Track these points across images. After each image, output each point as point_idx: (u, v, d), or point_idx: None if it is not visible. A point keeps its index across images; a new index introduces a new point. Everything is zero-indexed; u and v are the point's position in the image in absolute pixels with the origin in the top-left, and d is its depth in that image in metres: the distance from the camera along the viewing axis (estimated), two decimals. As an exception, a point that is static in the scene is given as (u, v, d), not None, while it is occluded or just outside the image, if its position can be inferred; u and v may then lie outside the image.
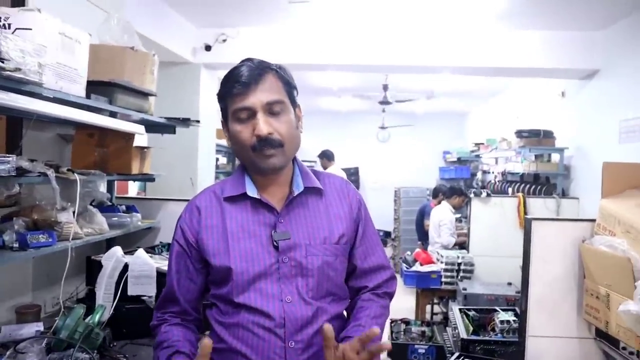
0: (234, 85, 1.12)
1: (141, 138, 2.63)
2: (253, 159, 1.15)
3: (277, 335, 1.12)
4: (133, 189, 4.28)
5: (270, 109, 1.13)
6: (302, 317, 1.14)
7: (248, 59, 1.18)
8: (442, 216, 5.17)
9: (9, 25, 1.45)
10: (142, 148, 2.52)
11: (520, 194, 4.38)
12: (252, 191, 1.19)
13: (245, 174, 1.22)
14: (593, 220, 2.29)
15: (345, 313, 1.28)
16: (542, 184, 4.93)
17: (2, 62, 1.27)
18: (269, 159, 1.13)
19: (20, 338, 1.77)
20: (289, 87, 1.18)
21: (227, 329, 1.16)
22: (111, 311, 2.04)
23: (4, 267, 1.98)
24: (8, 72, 1.30)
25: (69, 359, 1.63)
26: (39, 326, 1.89)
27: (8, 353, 1.65)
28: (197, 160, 4.40)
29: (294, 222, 1.18)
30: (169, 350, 1.14)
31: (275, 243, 1.15)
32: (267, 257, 1.15)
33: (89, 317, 1.85)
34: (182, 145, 4.05)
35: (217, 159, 5.83)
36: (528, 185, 5.01)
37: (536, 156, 4.95)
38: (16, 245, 1.69)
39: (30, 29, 1.48)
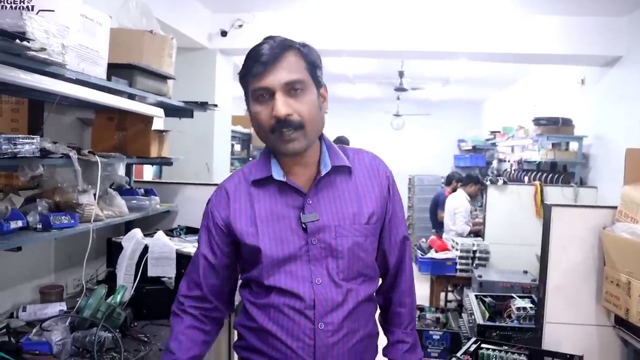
0: (253, 65, 1.10)
1: (159, 122, 2.65)
2: (273, 142, 1.13)
3: (306, 317, 1.13)
4: (148, 174, 4.32)
5: (290, 89, 1.09)
6: (332, 299, 1.14)
7: (270, 37, 1.14)
8: (457, 204, 5.13)
9: (32, 7, 1.45)
10: (161, 131, 2.53)
11: (537, 182, 4.33)
12: (278, 174, 1.17)
13: (272, 155, 1.20)
14: (614, 207, 2.26)
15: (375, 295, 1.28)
16: (559, 172, 4.87)
17: (28, 42, 1.28)
18: (289, 143, 1.10)
19: (45, 317, 1.81)
20: (312, 67, 1.14)
21: (259, 309, 1.17)
22: (132, 292, 2.07)
23: (28, 248, 2.02)
24: (33, 52, 1.31)
25: (92, 337, 1.66)
26: (63, 306, 1.93)
27: (34, 330, 1.69)
28: (212, 145, 4.41)
29: (323, 203, 1.17)
30: None
31: (304, 225, 1.14)
32: (297, 240, 1.15)
33: (110, 297, 1.89)
34: (198, 130, 4.06)
35: (232, 146, 5.84)
36: (545, 174, 4.95)
37: (554, 144, 4.88)
38: (39, 226, 1.72)
39: (53, 11, 1.48)
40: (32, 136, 1.55)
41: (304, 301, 1.13)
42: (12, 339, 1.67)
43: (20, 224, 1.65)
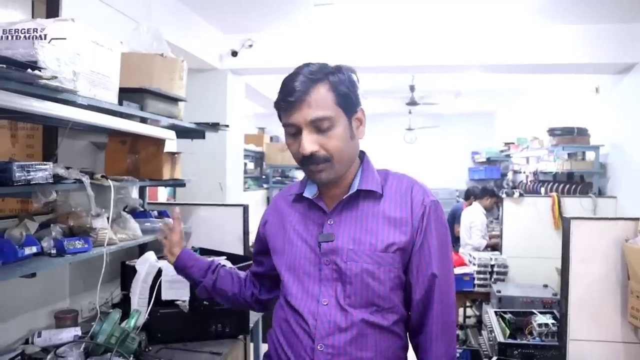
0: (282, 100, 1.12)
1: (171, 144, 2.66)
2: (304, 171, 1.18)
3: (308, 335, 1.14)
4: (163, 195, 4.34)
5: (317, 126, 1.10)
6: (334, 322, 1.12)
7: (306, 65, 1.14)
8: (473, 217, 5.07)
9: (45, 35, 1.48)
10: (173, 154, 2.54)
11: (554, 194, 4.25)
12: (309, 192, 1.21)
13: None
14: (636, 219, 2.20)
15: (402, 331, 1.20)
16: (576, 183, 4.79)
17: (40, 71, 1.29)
18: (317, 174, 1.14)
19: (59, 342, 1.81)
20: (344, 97, 1.12)
21: (278, 320, 1.24)
22: (146, 316, 2.06)
23: (43, 273, 2.02)
24: (45, 81, 1.33)
25: (106, 363, 1.65)
26: (77, 331, 1.92)
27: (49, 357, 1.68)
28: (225, 165, 4.43)
29: (342, 225, 1.17)
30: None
31: (319, 244, 1.16)
32: (313, 257, 1.17)
33: (124, 322, 1.88)
34: (211, 150, 4.08)
35: (245, 164, 5.86)
36: (562, 185, 4.87)
37: (569, 154, 4.80)
38: (54, 251, 1.72)
39: (65, 39, 1.50)
40: (45, 163, 1.56)
41: (306, 319, 1.14)
42: (27, 366, 1.67)
43: (34, 249, 1.66)
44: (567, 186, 4.76)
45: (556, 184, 4.99)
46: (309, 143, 1.09)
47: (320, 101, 1.10)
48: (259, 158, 6.83)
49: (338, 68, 1.15)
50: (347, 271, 1.13)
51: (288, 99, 1.09)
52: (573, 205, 4.13)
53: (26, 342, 1.89)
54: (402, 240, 1.15)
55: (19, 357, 1.71)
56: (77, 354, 1.70)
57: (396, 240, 1.14)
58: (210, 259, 1.52)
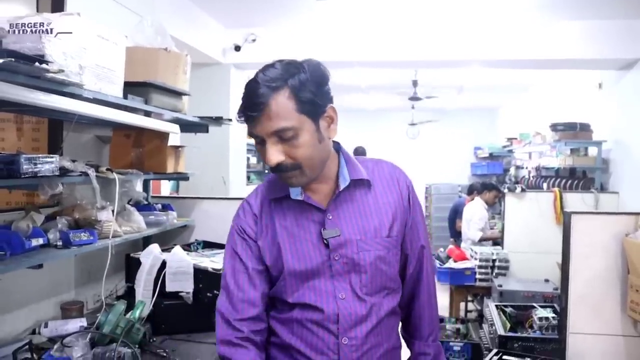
0: (243, 110, 1.07)
1: (175, 138, 2.68)
2: (278, 176, 1.15)
3: (330, 332, 1.12)
4: (166, 188, 4.36)
5: (280, 136, 1.06)
6: (355, 313, 1.13)
7: (267, 67, 1.08)
8: (472, 211, 5.09)
9: (52, 29, 1.49)
10: (177, 147, 2.56)
11: (556, 189, 4.26)
12: (294, 193, 1.16)
13: None
14: (636, 214, 2.21)
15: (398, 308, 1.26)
16: (578, 178, 4.79)
17: (47, 64, 1.31)
18: (289, 180, 1.11)
19: (65, 333, 1.83)
20: (306, 104, 1.06)
21: (282, 324, 1.17)
22: (150, 307, 2.08)
23: (49, 264, 2.05)
24: (52, 74, 1.34)
25: (112, 353, 1.68)
26: (83, 322, 1.94)
27: (55, 347, 1.71)
28: (228, 159, 4.45)
29: (343, 217, 1.16)
30: None
31: (325, 241, 1.14)
32: (319, 255, 1.14)
33: (129, 313, 1.90)
34: (214, 145, 4.09)
35: (248, 159, 5.88)
36: (564, 180, 4.87)
37: (572, 150, 4.81)
38: (60, 243, 1.75)
39: (71, 32, 1.52)
40: (51, 155, 1.58)
41: (328, 316, 1.13)
42: (34, 355, 1.69)
43: (41, 241, 1.68)
44: (570, 181, 4.76)
45: (558, 180, 5.00)
46: (274, 154, 1.06)
47: (281, 111, 1.04)
48: (261, 152, 6.83)
49: (300, 67, 1.07)
50: (360, 261, 1.14)
51: (247, 112, 1.05)
52: (575, 201, 4.14)
53: (33, 332, 1.92)
54: (399, 222, 1.20)
55: (27, 347, 1.74)
56: (83, 344, 1.73)
57: (395, 223, 1.19)
58: None
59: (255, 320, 1.17)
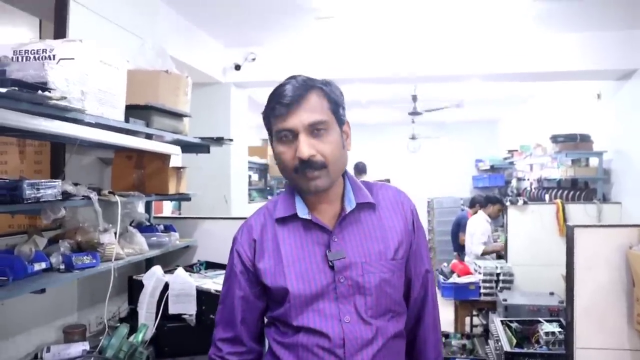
0: (276, 106, 1.10)
1: (176, 158, 2.70)
2: (296, 180, 1.13)
3: (336, 356, 1.11)
4: (168, 208, 4.37)
5: (313, 130, 1.09)
6: (361, 337, 1.12)
7: (293, 77, 1.14)
8: (475, 225, 5.07)
9: (54, 56, 1.52)
10: (178, 168, 2.57)
11: (558, 201, 4.26)
12: (302, 212, 1.16)
13: (295, 192, 1.19)
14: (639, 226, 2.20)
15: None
16: (580, 189, 4.79)
17: (49, 92, 1.33)
18: (312, 181, 1.10)
19: (68, 357, 1.83)
20: (335, 105, 1.15)
21: (286, 349, 1.15)
22: (153, 330, 2.07)
23: (52, 288, 2.05)
24: (54, 101, 1.36)
25: (115, 377, 1.67)
26: (85, 345, 1.93)
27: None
28: (229, 178, 4.46)
29: (348, 240, 1.15)
30: None
31: (330, 263, 1.13)
32: (323, 278, 1.13)
33: (132, 336, 1.90)
34: (215, 164, 4.11)
35: (250, 176, 5.90)
36: (566, 191, 4.87)
37: (573, 161, 4.81)
38: (62, 267, 1.74)
39: (73, 59, 1.54)
40: (54, 180, 1.59)
41: (333, 340, 1.11)
42: (37, 381, 1.68)
43: (44, 265, 1.68)
44: (572, 192, 4.76)
45: (560, 191, 5.00)
46: (307, 147, 1.08)
47: (317, 106, 1.11)
48: (263, 170, 6.87)
49: (327, 81, 1.17)
50: (365, 284, 1.13)
51: (284, 101, 1.08)
52: (577, 212, 4.13)
53: (35, 357, 1.91)
54: (404, 245, 1.20)
55: (29, 373, 1.73)
56: (86, 368, 1.72)
57: (400, 247, 1.19)
58: None
59: (234, 343, 1.21)
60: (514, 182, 7.46)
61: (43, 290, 1.62)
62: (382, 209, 1.21)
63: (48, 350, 1.90)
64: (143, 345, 1.90)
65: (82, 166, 2.36)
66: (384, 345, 1.15)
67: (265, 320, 1.26)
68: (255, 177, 6.69)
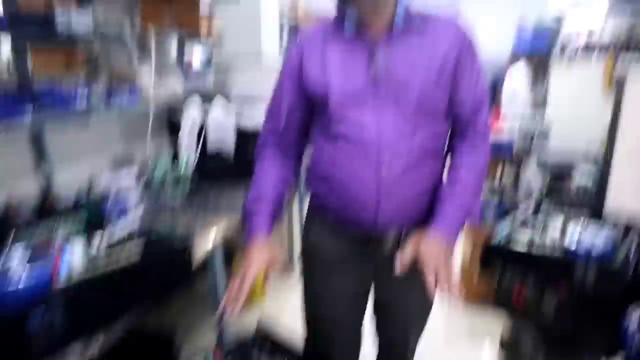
0: None
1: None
2: None
3: (371, 163, 1.15)
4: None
5: None
6: (397, 145, 1.15)
7: None
8: (516, 84, 4.87)
9: None
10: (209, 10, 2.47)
11: (608, 56, 3.97)
12: (350, 27, 1.17)
13: (345, 8, 1.17)
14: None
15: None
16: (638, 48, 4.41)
17: None
18: None
19: (120, 184, 1.94)
20: None
21: (323, 155, 1.23)
22: (194, 164, 2.16)
23: (95, 125, 2.10)
24: None
25: (163, 200, 1.78)
26: (135, 172, 2.03)
27: (112, 195, 1.82)
28: (260, 32, 4.29)
29: (394, 52, 1.15)
30: (255, 205, 1.27)
31: (373, 72, 1.14)
32: (365, 80, 1.15)
33: (175, 166, 1.98)
34: (245, 18, 3.93)
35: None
36: (619, 48, 4.50)
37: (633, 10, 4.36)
38: (103, 104, 1.78)
39: None
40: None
41: (370, 147, 1.15)
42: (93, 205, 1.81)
43: (85, 102, 1.72)
44: (627, 51, 4.41)
45: (613, 47, 4.63)
46: None
47: None
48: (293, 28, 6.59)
49: None
50: (408, 92, 1.14)
51: None
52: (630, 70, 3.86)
53: (89, 184, 2.03)
54: (450, 66, 1.17)
55: (84, 198, 1.86)
56: (137, 192, 1.84)
57: (446, 66, 1.16)
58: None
59: (278, 135, 1.32)
60: (561, 40, 6.95)
61: (87, 125, 1.67)
62: (432, 31, 1.17)
63: (101, 178, 2.00)
64: (185, 175, 1.99)
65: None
66: (421, 158, 1.18)
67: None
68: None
